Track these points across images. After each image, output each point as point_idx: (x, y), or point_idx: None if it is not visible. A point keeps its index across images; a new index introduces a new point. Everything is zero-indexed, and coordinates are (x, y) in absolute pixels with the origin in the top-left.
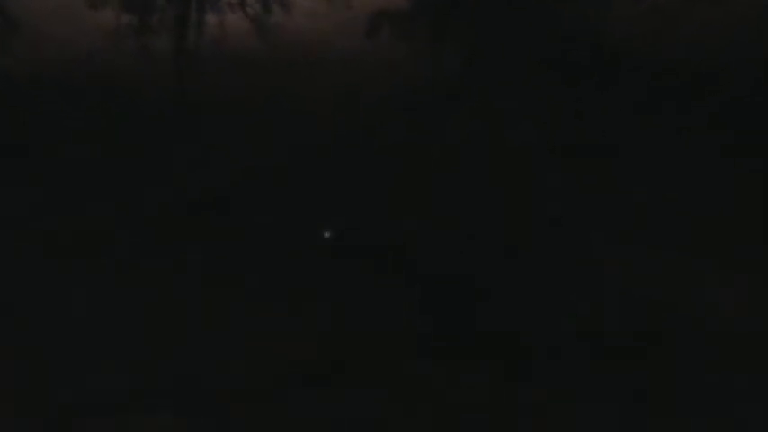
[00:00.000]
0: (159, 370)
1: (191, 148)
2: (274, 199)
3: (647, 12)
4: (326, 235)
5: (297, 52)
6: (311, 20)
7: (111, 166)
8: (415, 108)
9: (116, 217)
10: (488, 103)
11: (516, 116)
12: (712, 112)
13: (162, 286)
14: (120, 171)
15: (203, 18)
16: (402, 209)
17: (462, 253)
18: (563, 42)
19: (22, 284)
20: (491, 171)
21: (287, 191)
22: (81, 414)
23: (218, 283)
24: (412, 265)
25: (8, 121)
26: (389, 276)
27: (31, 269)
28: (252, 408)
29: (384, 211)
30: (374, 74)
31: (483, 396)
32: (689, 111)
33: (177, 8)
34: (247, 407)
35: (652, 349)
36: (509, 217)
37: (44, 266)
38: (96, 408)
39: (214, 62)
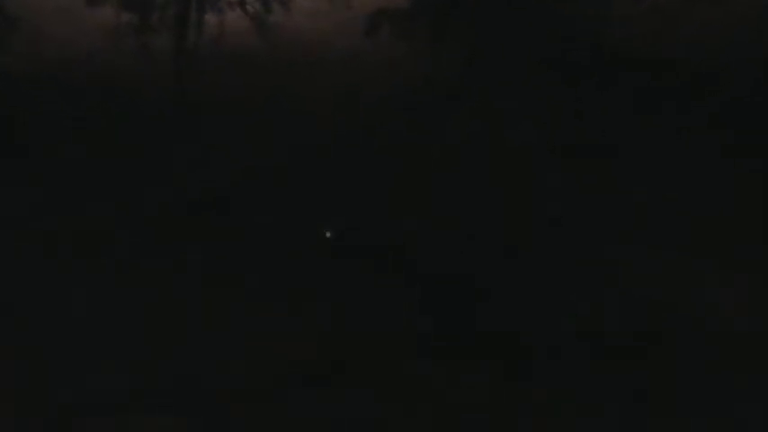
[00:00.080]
0: (159, 370)
1: (190, 147)
2: (274, 199)
3: (646, 11)
4: (327, 235)
5: (297, 52)
6: (311, 19)
7: (110, 166)
8: (414, 108)
9: (116, 217)
10: (488, 102)
11: (516, 116)
12: (712, 112)
13: (162, 286)
14: (119, 170)
15: (203, 17)
16: (402, 209)
17: (462, 253)
18: (563, 42)
19: (22, 284)
20: (491, 171)
21: (287, 191)
22: (81, 414)
23: (218, 282)
24: (412, 264)
25: (7, 119)
26: (389, 276)
27: (32, 269)
28: (252, 408)
29: (384, 211)
30: (374, 73)
31: (483, 396)
32: (689, 111)
33: (177, 7)
34: (247, 407)
35: (652, 349)
36: (509, 217)
37: (44, 266)
38: (96, 408)
39: (214, 61)
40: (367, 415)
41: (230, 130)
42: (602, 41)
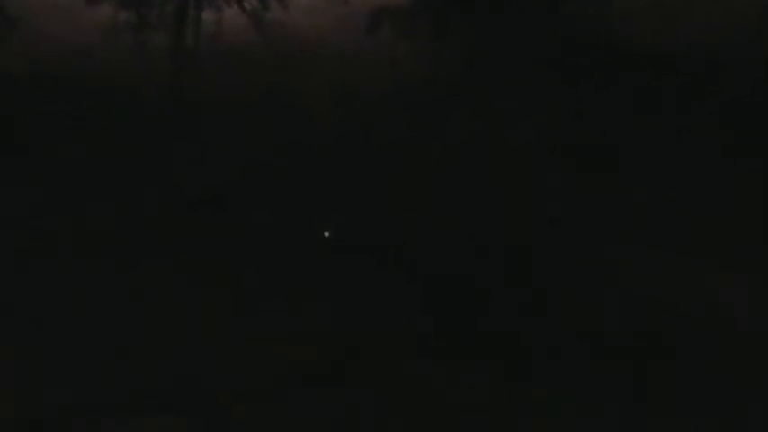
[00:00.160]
0: (159, 370)
1: (188, 145)
2: (273, 197)
3: (646, 8)
4: (326, 234)
5: (294, 49)
6: (309, 16)
7: (108, 164)
8: (414, 106)
9: (113, 215)
10: (488, 101)
11: (516, 115)
12: (712, 112)
13: (161, 285)
14: (117, 168)
15: (201, 14)
16: (401, 208)
17: (462, 253)
18: (563, 41)
19: (22, 284)
20: (491, 170)
21: (285, 189)
22: (81, 414)
23: (217, 281)
24: (411, 264)
25: (5, 118)
26: (389, 275)
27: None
28: (252, 408)
29: (383, 211)
30: (373, 71)
31: (483, 396)
32: (689, 110)
33: (175, 4)
34: (247, 407)
35: (652, 349)
36: (509, 217)
37: (43, 266)
38: (96, 408)
39: (212, 59)
40: (367, 415)
41: (228, 127)
42: (603, 40)
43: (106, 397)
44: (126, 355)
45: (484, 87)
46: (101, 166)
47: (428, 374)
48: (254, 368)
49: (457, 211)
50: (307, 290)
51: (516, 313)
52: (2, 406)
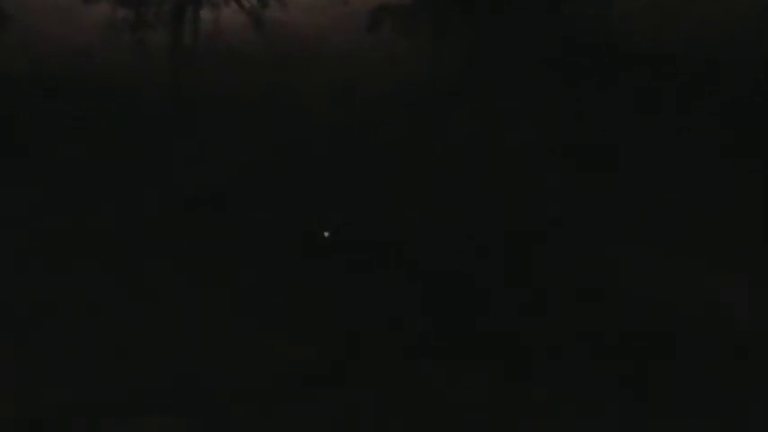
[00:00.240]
0: (159, 370)
1: (187, 144)
2: (272, 196)
3: (646, 8)
4: (326, 234)
5: (293, 48)
6: (308, 15)
7: (106, 163)
8: (414, 105)
9: (112, 213)
10: (489, 101)
11: (516, 115)
12: (712, 111)
13: (160, 284)
14: (115, 167)
15: (199, 13)
16: (401, 207)
17: (462, 251)
18: (563, 41)
19: (22, 284)
20: (491, 170)
21: (284, 187)
22: (81, 414)
23: (217, 281)
24: (411, 264)
25: (3, 117)
26: (389, 275)
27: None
28: (251, 408)
29: (383, 210)
30: (372, 70)
31: (483, 396)
32: (689, 110)
33: (173, 3)
34: (247, 407)
35: (652, 349)
36: (509, 216)
37: (41, 265)
38: (96, 408)
39: (210, 57)
40: (367, 415)
41: (227, 126)
42: (603, 39)
43: (106, 397)
44: (126, 355)
45: (484, 87)
46: (100, 166)
47: (428, 374)
48: (253, 368)
49: (457, 210)
50: (306, 289)
51: (516, 313)
52: (2, 406)
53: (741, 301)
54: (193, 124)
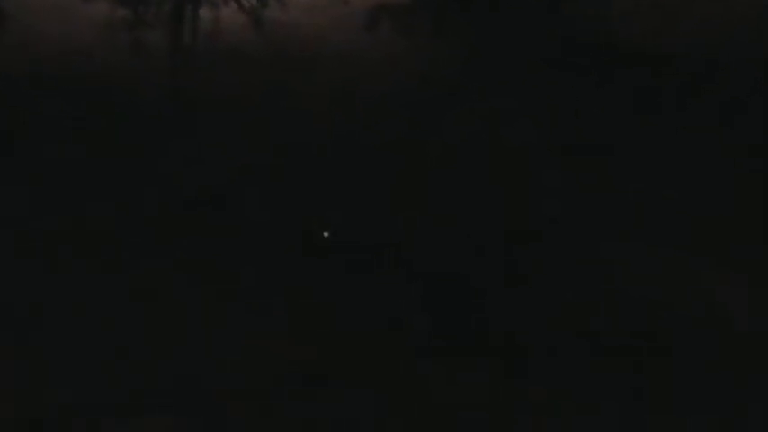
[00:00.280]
0: (159, 370)
1: (186, 144)
2: (271, 196)
3: (647, 8)
4: (325, 234)
5: (293, 47)
6: (307, 14)
7: (105, 163)
8: (413, 105)
9: (111, 214)
10: (487, 100)
11: (515, 114)
12: (711, 111)
13: (159, 285)
14: (114, 168)
15: (198, 12)
16: (399, 207)
17: (460, 251)
18: (563, 40)
19: (22, 284)
20: (489, 169)
21: (284, 188)
22: (81, 414)
23: (216, 281)
24: (409, 263)
25: (1, 117)
26: (387, 275)
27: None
28: (250, 407)
29: (381, 209)
30: (372, 70)
31: (481, 395)
32: (688, 109)
33: (172, 2)
34: (246, 406)
35: (650, 348)
36: (507, 215)
37: (42, 265)
38: (96, 408)
39: (210, 57)
40: (365, 414)
41: (226, 126)
42: (602, 39)
43: (106, 397)
44: (126, 355)
45: (483, 86)
46: (99, 166)
47: (427, 374)
48: (252, 367)
49: (455, 209)
50: (306, 289)
51: (514, 312)
52: (2, 406)
53: (740, 301)
54: (193, 124)
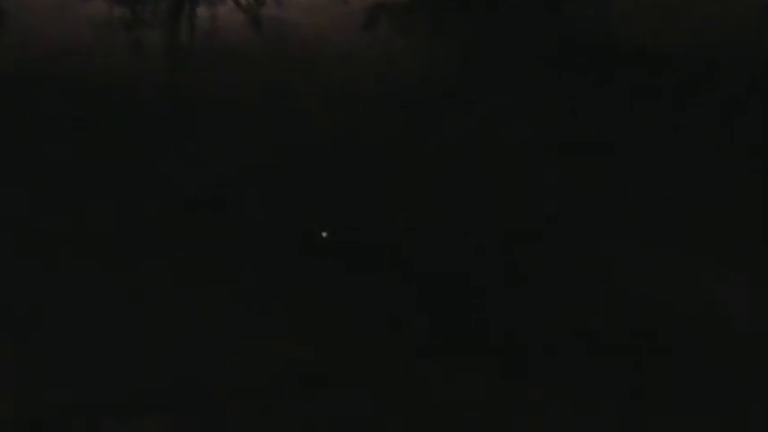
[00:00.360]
0: (159, 370)
1: (185, 144)
2: (271, 197)
3: (646, 8)
4: (324, 234)
5: (292, 47)
6: (307, 14)
7: (103, 163)
8: (411, 104)
9: (111, 215)
10: (485, 99)
11: (513, 113)
12: (711, 112)
13: (159, 285)
14: (112, 168)
15: (196, 10)
16: (398, 206)
17: (458, 251)
18: (562, 39)
19: (22, 284)
20: (487, 168)
21: (283, 188)
22: (81, 414)
23: (216, 281)
24: (408, 263)
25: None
26: (386, 274)
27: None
28: (249, 407)
29: (380, 209)
30: (371, 69)
31: (479, 394)
32: (687, 109)
33: (170, 1)
34: (245, 406)
35: (648, 347)
36: (505, 215)
37: (42, 265)
38: (96, 408)
39: (208, 57)
40: (364, 414)
41: (225, 126)
42: (602, 39)
43: (106, 397)
44: (126, 355)
45: (481, 84)
46: (97, 166)
47: (426, 374)
48: (251, 367)
49: (453, 209)
50: (305, 289)
51: (512, 311)
52: (2, 406)
53: (740, 301)
54: (191, 124)
